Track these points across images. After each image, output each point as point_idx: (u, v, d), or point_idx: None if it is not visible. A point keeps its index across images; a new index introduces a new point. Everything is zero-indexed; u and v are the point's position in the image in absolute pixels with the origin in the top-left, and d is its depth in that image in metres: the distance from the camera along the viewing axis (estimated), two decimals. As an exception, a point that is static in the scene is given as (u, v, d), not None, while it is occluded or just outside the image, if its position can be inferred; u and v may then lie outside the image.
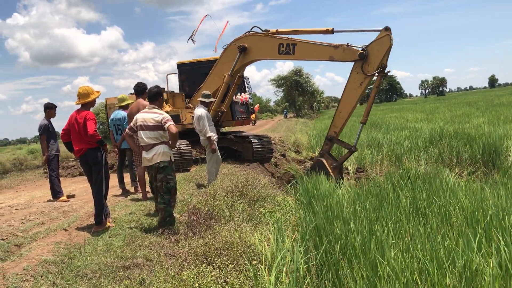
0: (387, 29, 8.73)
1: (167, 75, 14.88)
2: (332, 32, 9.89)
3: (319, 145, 19.60)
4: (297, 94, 71.33)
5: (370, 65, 8.94)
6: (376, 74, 8.99)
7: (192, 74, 14.07)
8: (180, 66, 14.28)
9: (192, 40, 14.26)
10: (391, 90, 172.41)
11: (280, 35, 10.75)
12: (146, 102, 6.83)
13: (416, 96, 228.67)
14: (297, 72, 68.35)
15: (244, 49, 11.18)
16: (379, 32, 8.87)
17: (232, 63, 11.39)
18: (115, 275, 4.18)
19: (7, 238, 5.64)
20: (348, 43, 9.29)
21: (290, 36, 10.58)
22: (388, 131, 21.04)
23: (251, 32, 11.28)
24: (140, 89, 7.60)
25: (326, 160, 9.54)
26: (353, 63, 9.22)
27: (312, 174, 8.91)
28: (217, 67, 11.93)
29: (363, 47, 8.98)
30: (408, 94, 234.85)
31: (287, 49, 10.62)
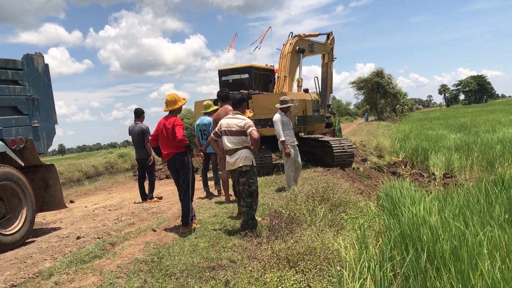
0: None
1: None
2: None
3: (403, 149, 18.93)
4: (379, 96, 69.41)
5: None
6: None
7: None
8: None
9: (252, 50, 15.03)
10: (480, 91, 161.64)
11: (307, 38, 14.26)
12: (229, 106, 7.21)
13: (510, 96, 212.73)
14: (379, 74, 66.51)
15: (303, 51, 13.58)
16: None
17: (294, 64, 13.40)
18: (201, 275, 4.34)
19: (102, 237, 6.07)
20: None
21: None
22: (478, 134, 19.81)
23: (295, 37, 13.78)
24: (225, 95, 7.92)
25: None
26: None
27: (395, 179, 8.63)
28: (290, 71, 13.11)
29: None
30: (500, 95, 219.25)
31: (311, 48, 14.55)
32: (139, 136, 9.00)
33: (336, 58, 16.77)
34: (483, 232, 4.69)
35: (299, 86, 13.61)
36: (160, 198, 9.44)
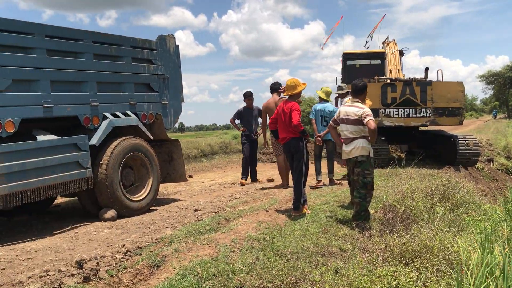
0: None
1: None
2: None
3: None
4: (511, 92, 63.19)
5: None
6: None
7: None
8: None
9: (368, 40, 14.62)
10: None
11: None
12: (278, 97, 8.36)
13: None
14: (514, 68, 60.42)
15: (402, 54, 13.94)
16: None
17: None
18: (311, 260, 4.36)
19: (218, 212, 6.38)
20: None
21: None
22: None
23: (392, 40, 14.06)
24: (276, 87, 8.66)
25: None
26: None
27: None
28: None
29: None
30: None
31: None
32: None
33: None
34: None
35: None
36: (272, 180, 9.59)
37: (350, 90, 9.17)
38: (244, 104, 9.51)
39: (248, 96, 9.42)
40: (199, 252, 4.45)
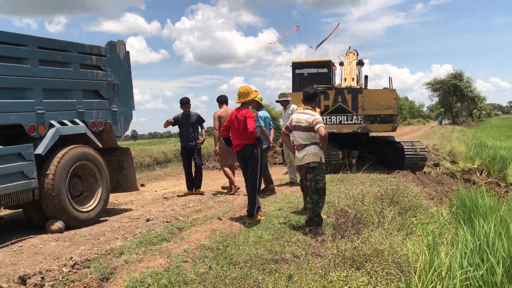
0: None
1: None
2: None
3: (479, 156, 17.95)
4: (455, 99, 66.18)
5: None
6: None
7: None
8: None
9: (316, 47, 14.90)
10: None
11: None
12: (230, 109, 8.50)
13: None
14: (457, 76, 63.36)
15: (362, 64, 14.16)
16: None
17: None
18: (264, 267, 4.35)
19: (170, 221, 6.27)
20: None
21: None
22: None
23: (352, 51, 14.22)
24: (224, 99, 9.04)
25: None
26: None
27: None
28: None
29: None
30: None
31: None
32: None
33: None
34: None
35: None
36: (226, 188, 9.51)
37: (291, 98, 9.41)
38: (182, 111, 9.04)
39: (184, 103, 8.89)
40: (150, 263, 4.33)
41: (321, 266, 4.14)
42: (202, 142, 9.37)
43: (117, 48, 7.50)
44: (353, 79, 12.98)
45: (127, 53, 7.75)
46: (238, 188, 8.84)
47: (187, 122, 8.94)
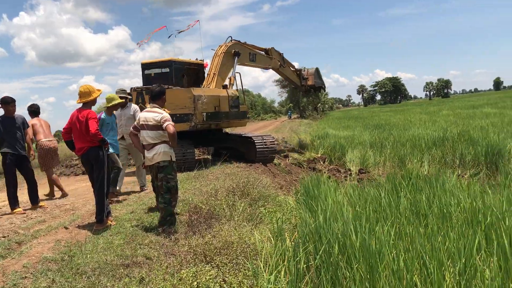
0: None
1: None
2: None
3: (322, 146, 19.59)
4: (301, 95, 71.23)
5: None
6: None
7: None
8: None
9: (175, 36, 14.88)
10: (395, 92, 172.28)
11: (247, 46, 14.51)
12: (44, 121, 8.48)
13: (421, 98, 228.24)
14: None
15: (239, 55, 13.68)
16: None
17: (228, 65, 13.41)
18: (114, 273, 4.19)
19: (8, 236, 5.67)
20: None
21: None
22: (391, 133, 21.01)
23: (233, 41, 13.96)
24: (36, 110, 8.62)
25: None
26: None
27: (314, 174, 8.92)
28: (221, 70, 13.11)
29: None
30: (412, 96, 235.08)
31: (252, 58, 14.88)
32: None
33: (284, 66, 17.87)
34: (390, 223, 4.97)
35: (231, 84, 13.60)
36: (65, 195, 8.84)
37: (130, 97, 9.19)
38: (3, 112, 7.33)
39: (8, 102, 7.20)
40: (-20, 286, 3.88)
41: (172, 265, 4.13)
42: (33, 157, 8.04)
43: None
44: (214, 74, 12.92)
45: None
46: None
47: (12, 126, 7.35)
